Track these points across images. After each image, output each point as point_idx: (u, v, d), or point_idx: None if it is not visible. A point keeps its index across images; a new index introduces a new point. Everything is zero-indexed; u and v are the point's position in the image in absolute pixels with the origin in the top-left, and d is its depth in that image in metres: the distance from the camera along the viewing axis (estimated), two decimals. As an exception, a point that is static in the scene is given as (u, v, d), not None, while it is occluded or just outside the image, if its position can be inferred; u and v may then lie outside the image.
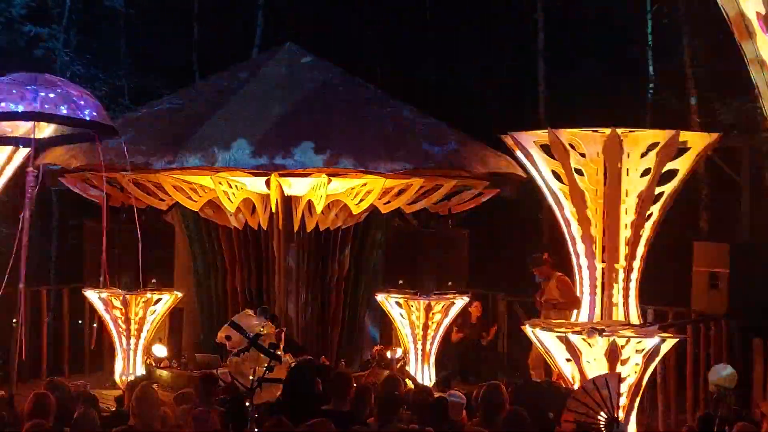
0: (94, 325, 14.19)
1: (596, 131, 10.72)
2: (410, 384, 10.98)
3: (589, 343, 10.18)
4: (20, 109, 7.70)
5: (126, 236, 12.60)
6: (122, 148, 9.55)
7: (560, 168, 11.00)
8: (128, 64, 21.97)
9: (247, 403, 8.38)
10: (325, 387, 9.14)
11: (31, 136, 8.12)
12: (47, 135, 8.64)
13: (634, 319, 10.84)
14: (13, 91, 7.78)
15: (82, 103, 7.90)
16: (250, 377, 8.72)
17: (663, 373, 12.34)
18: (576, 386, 10.23)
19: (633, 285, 10.90)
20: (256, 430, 7.93)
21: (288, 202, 12.81)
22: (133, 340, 13.02)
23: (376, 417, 8.27)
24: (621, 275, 10.81)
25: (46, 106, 7.72)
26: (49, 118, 7.90)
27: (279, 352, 9.16)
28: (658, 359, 10.63)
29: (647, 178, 10.68)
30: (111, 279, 12.60)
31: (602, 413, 7.11)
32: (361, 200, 12.31)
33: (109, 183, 12.74)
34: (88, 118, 7.91)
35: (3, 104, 7.73)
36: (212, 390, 8.95)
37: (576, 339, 10.25)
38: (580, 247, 11.12)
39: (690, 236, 16.02)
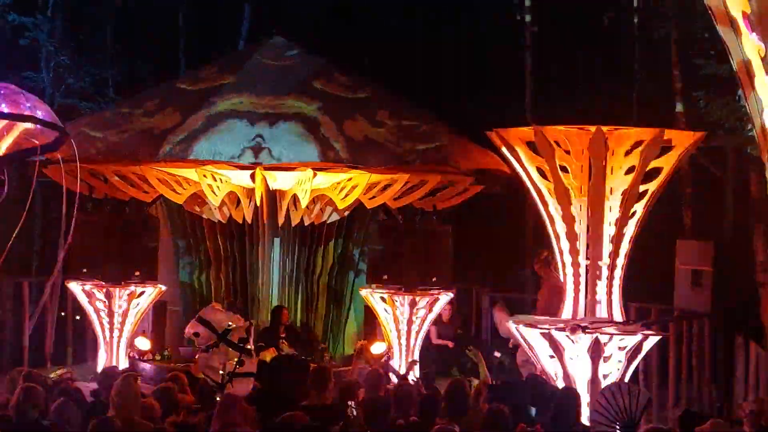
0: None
1: (581, 128, 10.73)
2: (394, 379, 10.97)
3: (572, 340, 10.21)
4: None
5: (109, 228, 12.61)
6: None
7: (545, 165, 11.01)
8: (114, 54, 21.87)
9: (218, 398, 8.37)
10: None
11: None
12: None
13: (617, 316, 10.88)
14: None
15: (30, 105, 7.86)
16: (220, 372, 8.70)
17: (645, 370, 12.39)
18: (558, 383, 10.26)
19: (616, 282, 10.92)
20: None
21: (273, 196, 12.80)
22: (116, 333, 12.97)
23: (363, 418, 8.26)
24: (605, 272, 10.83)
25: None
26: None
27: (249, 346, 9.11)
28: (640, 356, 10.67)
29: (631, 175, 10.70)
30: (94, 271, 12.59)
31: (626, 416, 7.13)
32: (347, 195, 12.31)
33: (94, 175, 12.70)
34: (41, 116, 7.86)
35: None
36: None
37: (559, 335, 10.28)
38: (564, 244, 11.14)
39: (674, 234, 16.06)
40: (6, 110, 7.66)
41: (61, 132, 8.20)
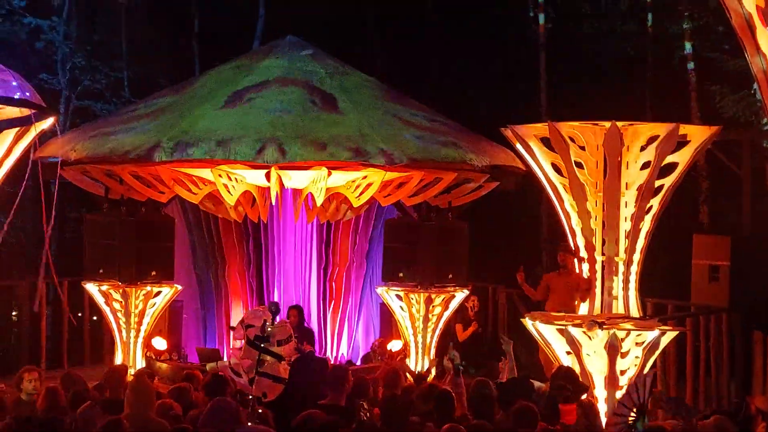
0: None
1: (596, 124, 10.71)
2: (410, 378, 10.98)
3: (589, 336, 10.19)
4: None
5: (125, 229, 12.62)
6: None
7: (560, 161, 11.00)
8: (129, 55, 21.94)
9: (250, 396, 8.37)
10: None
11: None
12: None
13: (634, 311, 10.86)
14: None
15: (14, 84, 7.86)
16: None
17: (662, 365, 12.36)
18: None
19: (633, 278, 10.91)
20: (249, 424, 7.91)
21: (288, 194, 12.82)
22: (132, 333, 13.00)
23: (381, 414, 8.26)
24: (621, 268, 10.81)
25: None
26: None
27: (263, 345, 9.02)
28: (657, 352, 10.65)
29: (647, 170, 10.68)
30: (110, 271, 12.63)
31: (633, 411, 7.19)
32: (362, 193, 12.29)
33: (109, 175, 12.74)
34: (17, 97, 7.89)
35: None
36: (224, 390, 8.84)
37: (576, 332, 10.27)
38: (580, 240, 11.14)
39: (690, 229, 16.01)
40: None
41: (45, 111, 8.24)
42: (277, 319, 9.16)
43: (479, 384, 8.52)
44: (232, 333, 9.92)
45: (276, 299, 13.86)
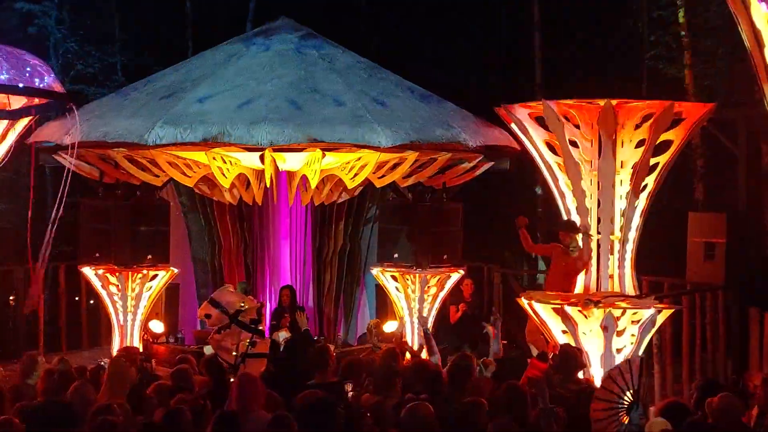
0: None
1: (590, 102, 10.69)
2: (408, 356, 10.99)
3: (584, 315, 10.20)
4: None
5: (120, 213, 12.62)
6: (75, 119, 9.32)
7: (555, 140, 10.99)
8: (121, 40, 21.87)
9: (232, 379, 8.39)
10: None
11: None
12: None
13: (630, 290, 10.87)
14: None
15: (29, 70, 7.82)
16: (233, 353, 8.72)
17: (659, 343, 12.38)
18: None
19: (628, 256, 10.91)
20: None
21: (282, 176, 12.80)
22: (129, 316, 13.01)
23: (374, 390, 8.29)
24: (616, 246, 10.82)
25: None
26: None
27: (261, 327, 9.12)
28: (653, 330, 10.67)
29: (642, 149, 10.67)
30: (106, 255, 12.64)
31: (625, 396, 7.15)
32: (356, 174, 12.28)
33: (104, 159, 12.72)
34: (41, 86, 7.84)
35: None
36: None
37: (572, 310, 10.28)
38: (575, 219, 11.13)
39: (685, 207, 16.01)
40: (7, 76, 7.63)
41: (63, 99, 8.19)
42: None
43: (461, 357, 8.55)
44: (206, 321, 9.93)
45: (271, 282, 13.89)
